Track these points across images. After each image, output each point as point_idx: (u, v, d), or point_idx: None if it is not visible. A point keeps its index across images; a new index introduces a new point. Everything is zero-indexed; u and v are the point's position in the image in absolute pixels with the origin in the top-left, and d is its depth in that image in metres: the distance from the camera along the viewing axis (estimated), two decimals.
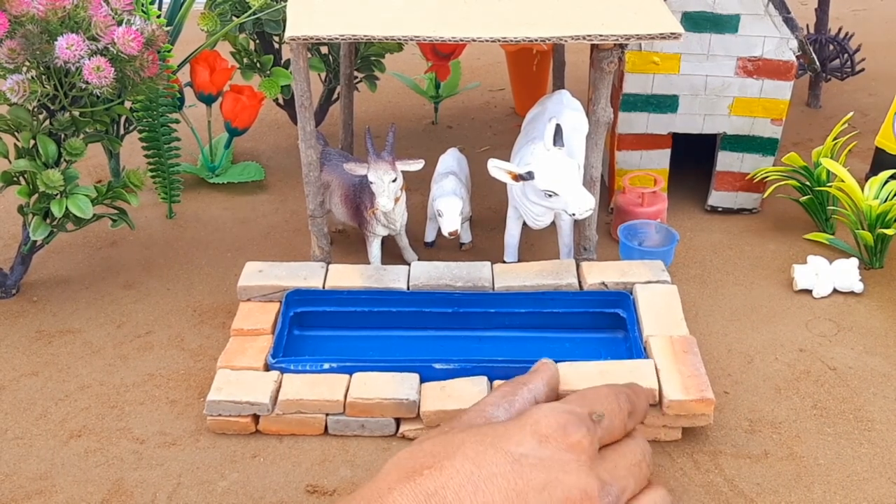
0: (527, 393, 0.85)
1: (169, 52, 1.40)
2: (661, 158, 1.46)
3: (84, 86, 1.12)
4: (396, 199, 1.23)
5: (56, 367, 1.17)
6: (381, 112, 1.97)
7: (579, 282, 1.19)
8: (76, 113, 1.19)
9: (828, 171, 1.39)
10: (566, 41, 1.06)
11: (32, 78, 1.12)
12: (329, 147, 1.39)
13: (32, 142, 1.18)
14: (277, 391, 1.03)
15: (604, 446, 0.79)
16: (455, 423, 0.81)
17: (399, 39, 1.08)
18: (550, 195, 1.14)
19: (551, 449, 0.72)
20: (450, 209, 1.26)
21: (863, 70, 1.90)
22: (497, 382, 1.01)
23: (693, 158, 1.52)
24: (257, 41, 1.60)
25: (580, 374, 1.01)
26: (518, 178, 1.15)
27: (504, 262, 1.31)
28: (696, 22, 1.33)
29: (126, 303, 1.31)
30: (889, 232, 1.28)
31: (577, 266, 1.21)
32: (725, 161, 1.45)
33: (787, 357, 1.16)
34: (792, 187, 1.43)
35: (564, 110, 1.31)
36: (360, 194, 1.27)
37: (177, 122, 1.49)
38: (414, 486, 0.69)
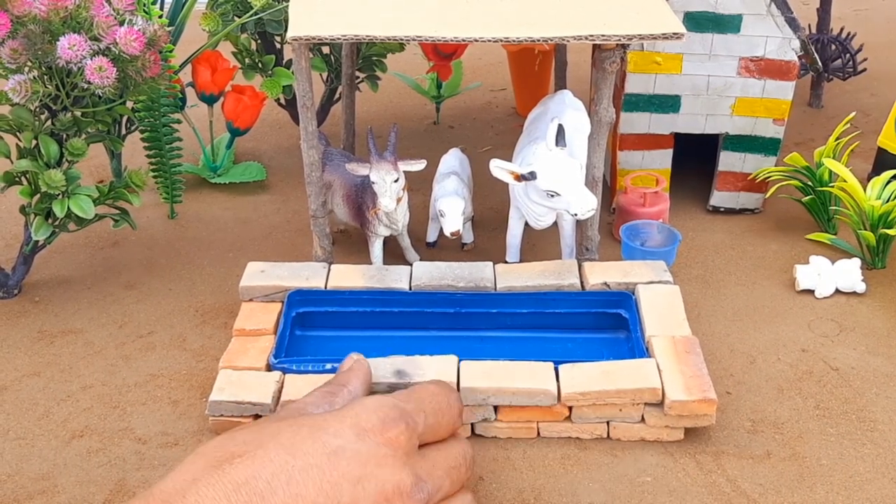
0: (347, 395, 0.84)
1: (171, 52, 1.40)
2: (663, 158, 1.46)
3: (86, 86, 1.11)
4: (398, 200, 1.23)
5: (58, 367, 1.17)
6: (382, 112, 1.97)
7: (581, 282, 1.19)
8: (78, 113, 1.19)
9: (830, 172, 1.38)
10: (568, 41, 1.06)
11: (34, 78, 1.12)
12: (331, 147, 1.39)
13: (34, 142, 1.18)
14: (280, 391, 1.03)
15: (428, 444, 0.78)
16: (271, 416, 0.78)
17: (401, 39, 1.08)
18: (552, 195, 1.14)
19: (368, 443, 0.71)
20: (452, 209, 1.26)
21: (865, 70, 1.90)
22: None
23: (695, 158, 1.52)
24: (259, 41, 1.60)
25: (583, 375, 1.01)
26: (520, 178, 1.15)
27: (506, 262, 1.31)
28: (698, 22, 1.33)
29: (128, 303, 1.31)
30: (891, 232, 1.28)
31: (580, 266, 1.21)
32: (727, 161, 1.45)
33: (790, 357, 1.16)
34: (794, 187, 1.43)
35: (566, 110, 1.31)
36: (362, 194, 1.27)
37: (178, 122, 1.49)
38: (222, 475, 0.64)
